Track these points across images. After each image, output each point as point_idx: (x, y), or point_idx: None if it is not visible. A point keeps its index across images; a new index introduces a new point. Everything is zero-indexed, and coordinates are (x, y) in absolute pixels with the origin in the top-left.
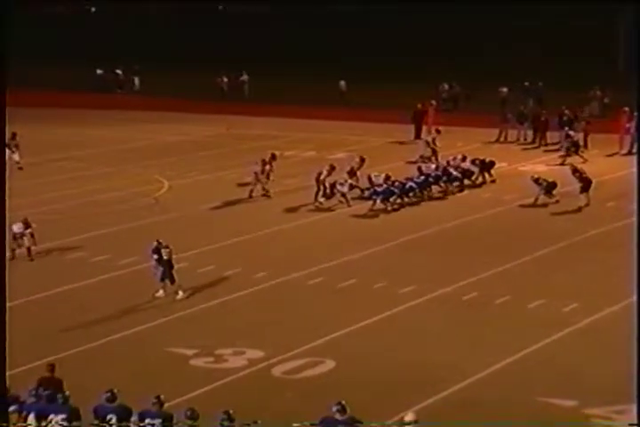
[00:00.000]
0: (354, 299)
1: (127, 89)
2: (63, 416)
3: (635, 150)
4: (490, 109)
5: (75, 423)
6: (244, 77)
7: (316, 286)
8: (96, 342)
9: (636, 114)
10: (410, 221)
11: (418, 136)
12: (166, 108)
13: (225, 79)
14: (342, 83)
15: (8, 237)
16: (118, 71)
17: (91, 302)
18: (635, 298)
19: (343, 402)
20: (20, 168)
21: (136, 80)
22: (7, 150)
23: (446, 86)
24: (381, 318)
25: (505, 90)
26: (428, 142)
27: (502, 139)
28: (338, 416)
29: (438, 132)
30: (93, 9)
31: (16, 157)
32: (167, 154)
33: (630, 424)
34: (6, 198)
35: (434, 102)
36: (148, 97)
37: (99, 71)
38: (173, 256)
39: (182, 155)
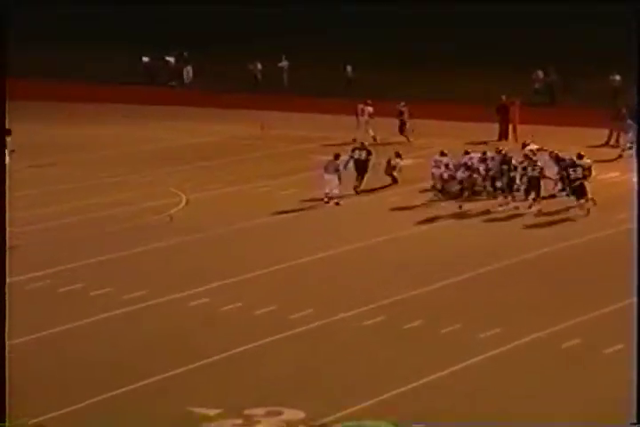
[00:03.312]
0: (419, 345)
1: (179, 81)
2: None
3: None
4: (597, 103)
5: None
6: (284, 64)
7: (371, 329)
8: (98, 396)
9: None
10: (490, 244)
11: (504, 136)
12: (186, 102)
13: (259, 66)
14: (349, 68)
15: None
16: (169, 58)
17: (90, 348)
18: None
19: None
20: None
21: (189, 70)
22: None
23: (540, 74)
24: (454, 371)
25: (617, 78)
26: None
27: (613, 141)
28: None
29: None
30: None
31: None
32: (186, 160)
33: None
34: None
35: (517, 101)
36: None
37: (145, 59)
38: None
39: (204, 161)
